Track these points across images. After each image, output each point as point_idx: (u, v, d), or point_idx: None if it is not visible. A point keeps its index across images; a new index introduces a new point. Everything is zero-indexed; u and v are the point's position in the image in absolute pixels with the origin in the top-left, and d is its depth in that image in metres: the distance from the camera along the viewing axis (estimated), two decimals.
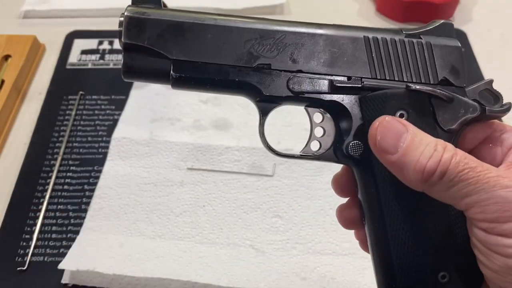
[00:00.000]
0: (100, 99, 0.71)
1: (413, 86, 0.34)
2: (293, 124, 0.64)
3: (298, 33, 0.35)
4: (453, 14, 0.83)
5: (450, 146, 0.31)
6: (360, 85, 0.35)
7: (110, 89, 0.72)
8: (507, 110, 0.35)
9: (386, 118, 0.32)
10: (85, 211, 0.59)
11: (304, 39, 0.35)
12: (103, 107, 0.70)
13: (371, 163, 0.34)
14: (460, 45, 0.36)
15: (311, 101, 0.36)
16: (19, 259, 0.55)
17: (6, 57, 0.74)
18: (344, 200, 0.39)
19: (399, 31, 0.36)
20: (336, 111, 0.36)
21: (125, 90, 0.71)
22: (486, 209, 0.29)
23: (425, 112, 0.34)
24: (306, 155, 0.38)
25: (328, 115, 0.37)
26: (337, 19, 0.88)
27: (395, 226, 0.34)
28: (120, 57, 0.76)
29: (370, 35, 0.35)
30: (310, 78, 0.35)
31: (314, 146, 0.38)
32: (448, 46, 0.36)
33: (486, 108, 0.35)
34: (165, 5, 0.66)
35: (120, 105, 0.70)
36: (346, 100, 0.35)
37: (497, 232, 0.29)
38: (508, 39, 0.81)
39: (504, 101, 0.35)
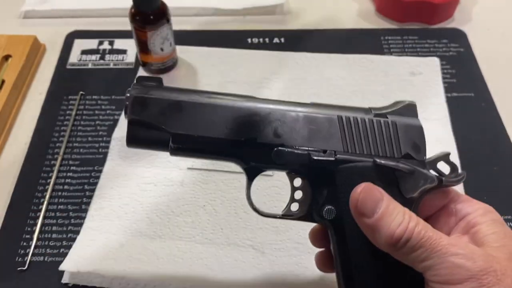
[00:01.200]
0: (100, 99, 0.71)
1: (379, 161, 0.39)
2: None
3: (281, 112, 0.40)
4: (453, 14, 0.83)
5: (414, 215, 0.36)
6: (333, 158, 0.39)
7: (111, 89, 0.72)
8: (461, 179, 0.40)
9: (368, 185, 0.37)
10: (86, 211, 0.59)
11: (286, 117, 0.40)
12: (103, 107, 0.70)
13: (343, 226, 0.39)
14: (421, 124, 0.41)
15: (291, 169, 0.41)
16: (20, 259, 0.55)
17: (7, 57, 0.74)
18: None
19: (369, 111, 0.41)
20: (313, 179, 0.40)
21: (126, 90, 0.71)
22: (439, 272, 0.34)
23: (390, 182, 0.39)
24: (286, 216, 0.42)
25: (306, 181, 0.41)
26: (336, 19, 0.89)
27: (361, 279, 0.39)
28: (120, 57, 0.77)
29: (343, 115, 0.40)
30: (291, 151, 0.39)
31: (294, 207, 0.43)
32: (411, 125, 0.40)
33: (443, 178, 0.39)
34: (164, 5, 0.66)
35: (120, 105, 0.70)
36: (321, 170, 0.39)
37: None
38: (508, 39, 0.81)
39: (458, 170, 0.40)
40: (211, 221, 0.57)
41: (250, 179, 0.41)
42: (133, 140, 0.39)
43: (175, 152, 0.40)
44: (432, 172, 0.40)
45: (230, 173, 0.61)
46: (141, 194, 0.60)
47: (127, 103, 0.39)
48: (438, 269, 0.34)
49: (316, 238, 0.44)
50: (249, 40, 0.80)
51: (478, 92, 0.72)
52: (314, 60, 0.75)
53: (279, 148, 0.39)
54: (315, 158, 0.39)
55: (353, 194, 0.37)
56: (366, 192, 0.36)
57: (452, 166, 0.40)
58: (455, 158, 0.62)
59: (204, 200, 0.59)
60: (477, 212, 0.38)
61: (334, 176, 0.39)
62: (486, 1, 0.87)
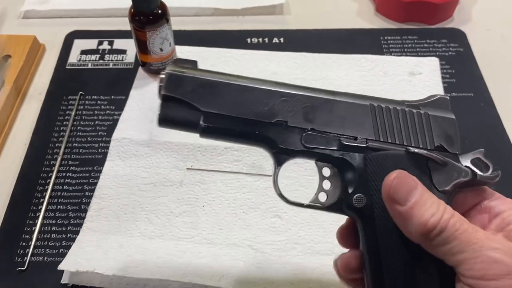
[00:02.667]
0: (100, 99, 0.71)
1: (412, 150, 0.38)
2: None
3: (313, 97, 0.39)
4: (453, 14, 0.83)
5: (449, 208, 0.34)
6: (365, 145, 0.38)
7: (110, 89, 0.72)
8: (496, 177, 0.38)
9: (402, 172, 0.35)
10: (85, 211, 0.59)
11: (318, 102, 0.39)
12: (103, 107, 0.70)
13: (373, 216, 0.37)
14: (454, 117, 0.40)
15: (321, 156, 0.39)
16: (19, 259, 0.55)
17: (6, 57, 0.74)
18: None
19: (402, 102, 0.40)
20: (342, 167, 0.39)
21: (125, 90, 0.71)
22: (473, 267, 0.32)
23: (423, 173, 0.37)
24: (314, 205, 0.41)
25: (335, 169, 0.40)
26: (336, 19, 0.88)
27: (391, 276, 0.37)
28: (120, 57, 0.77)
29: (376, 104, 0.39)
30: (321, 136, 0.39)
31: (322, 197, 0.41)
32: (444, 117, 0.39)
33: (477, 174, 0.38)
34: (163, 5, 0.66)
35: (120, 105, 0.70)
36: (352, 157, 0.38)
37: None
38: (507, 39, 0.81)
39: (493, 169, 0.38)
40: (210, 221, 0.57)
41: (279, 164, 0.40)
42: (165, 118, 0.39)
43: (205, 132, 0.39)
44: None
45: (229, 174, 0.61)
46: (140, 194, 0.60)
47: (161, 83, 0.39)
48: (473, 263, 0.32)
49: (344, 235, 0.42)
50: (248, 40, 0.80)
51: (477, 92, 0.72)
52: (313, 60, 0.75)
53: (309, 132, 0.39)
54: (346, 143, 0.38)
55: (386, 180, 0.35)
56: (400, 179, 0.35)
57: (486, 163, 0.38)
58: None
59: (203, 201, 0.59)
60: None
61: (364, 164, 0.38)
62: (485, 1, 0.87)
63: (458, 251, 0.32)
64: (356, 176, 0.38)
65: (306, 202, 0.41)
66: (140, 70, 0.74)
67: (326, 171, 0.41)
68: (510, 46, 0.80)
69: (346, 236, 0.42)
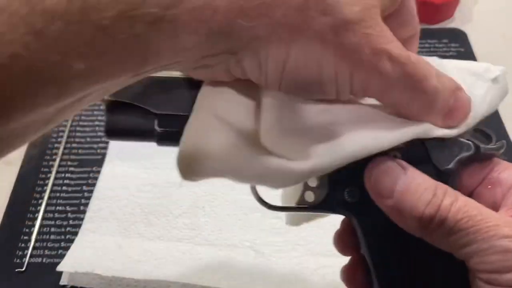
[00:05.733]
0: None
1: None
2: None
3: None
4: (453, 14, 0.83)
5: (450, 190, 0.29)
6: None
7: None
8: (501, 147, 0.34)
9: (383, 158, 0.31)
10: (84, 212, 0.58)
11: None
12: (102, 107, 0.70)
13: (370, 211, 0.32)
14: None
15: None
16: (18, 260, 0.55)
17: None
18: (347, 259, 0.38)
19: None
20: None
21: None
22: (486, 259, 0.28)
23: (420, 154, 0.32)
24: (301, 206, 0.36)
25: None
26: None
27: (400, 277, 0.33)
28: None
29: None
30: None
31: (309, 196, 0.36)
32: None
33: (480, 146, 0.33)
34: None
35: None
36: None
37: (499, 283, 0.28)
38: (509, 39, 0.80)
39: (496, 139, 0.34)
40: (210, 222, 0.57)
41: None
42: (113, 129, 0.33)
43: (162, 138, 0.33)
44: None
45: None
46: (139, 195, 0.59)
47: None
48: (485, 255, 0.28)
49: (341, 240, 0.37)
50: None
51: None
52: None
53: None
54: None
55: (366, 172, 0.31)
56: (380, 167, 0.30)
57: (487, 134, 0.34)
58: None
59: (203, 201, 0.59)
60: None
61: None
62: (486, 1, 0.87)
63: (466, 243, 0.28)
64: (344, 168, 0.33)
65: (293, 205, 0.37)
66: None
67: None
68: (511, 45, 0.79)
69: (343, 240, 0.37)
